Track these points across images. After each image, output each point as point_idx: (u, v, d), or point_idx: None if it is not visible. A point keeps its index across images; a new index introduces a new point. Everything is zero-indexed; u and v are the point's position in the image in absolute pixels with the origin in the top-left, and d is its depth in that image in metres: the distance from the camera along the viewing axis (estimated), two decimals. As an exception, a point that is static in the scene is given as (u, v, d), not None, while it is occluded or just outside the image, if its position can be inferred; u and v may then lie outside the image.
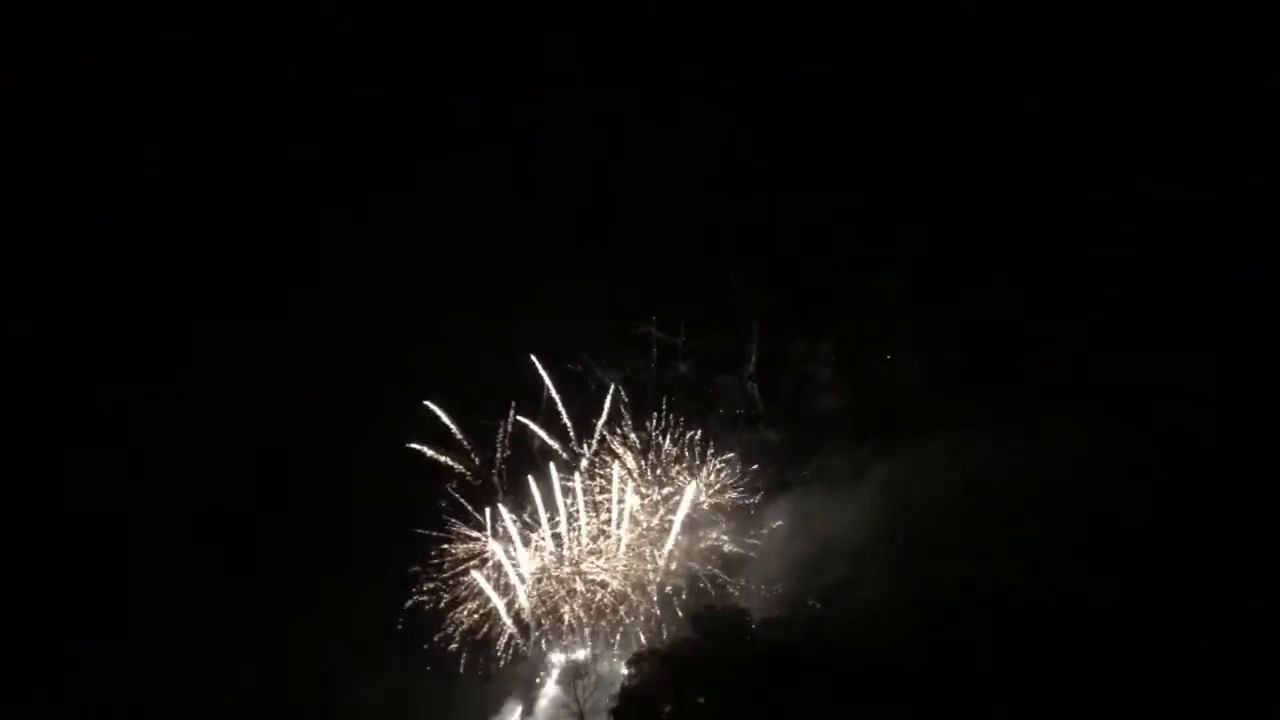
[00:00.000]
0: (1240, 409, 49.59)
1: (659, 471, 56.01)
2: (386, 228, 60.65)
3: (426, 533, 54.49)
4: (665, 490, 55.65)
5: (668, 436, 56.23)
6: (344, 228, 61.36)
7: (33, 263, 56.21)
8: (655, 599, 54.30)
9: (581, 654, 54.36)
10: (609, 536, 54.83)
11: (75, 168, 57.89)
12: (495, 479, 55.68)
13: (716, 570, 55.12)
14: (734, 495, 56.31)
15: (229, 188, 60.21)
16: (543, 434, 55.75)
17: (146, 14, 57.92)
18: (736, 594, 54.67)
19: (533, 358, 56.05)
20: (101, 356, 55.56)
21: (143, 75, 58.58)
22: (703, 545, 55.46)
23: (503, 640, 53.72)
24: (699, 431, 56.33)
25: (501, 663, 53.93)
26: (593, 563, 54.57)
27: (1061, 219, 57.58)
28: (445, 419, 55.74)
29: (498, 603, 53.50)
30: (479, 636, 53.64)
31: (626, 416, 56.30)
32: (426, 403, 55.68)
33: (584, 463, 55.48)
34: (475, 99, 63.01)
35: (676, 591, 54.66)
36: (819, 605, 52.71)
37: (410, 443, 55.26)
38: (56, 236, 57.19)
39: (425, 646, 53.13)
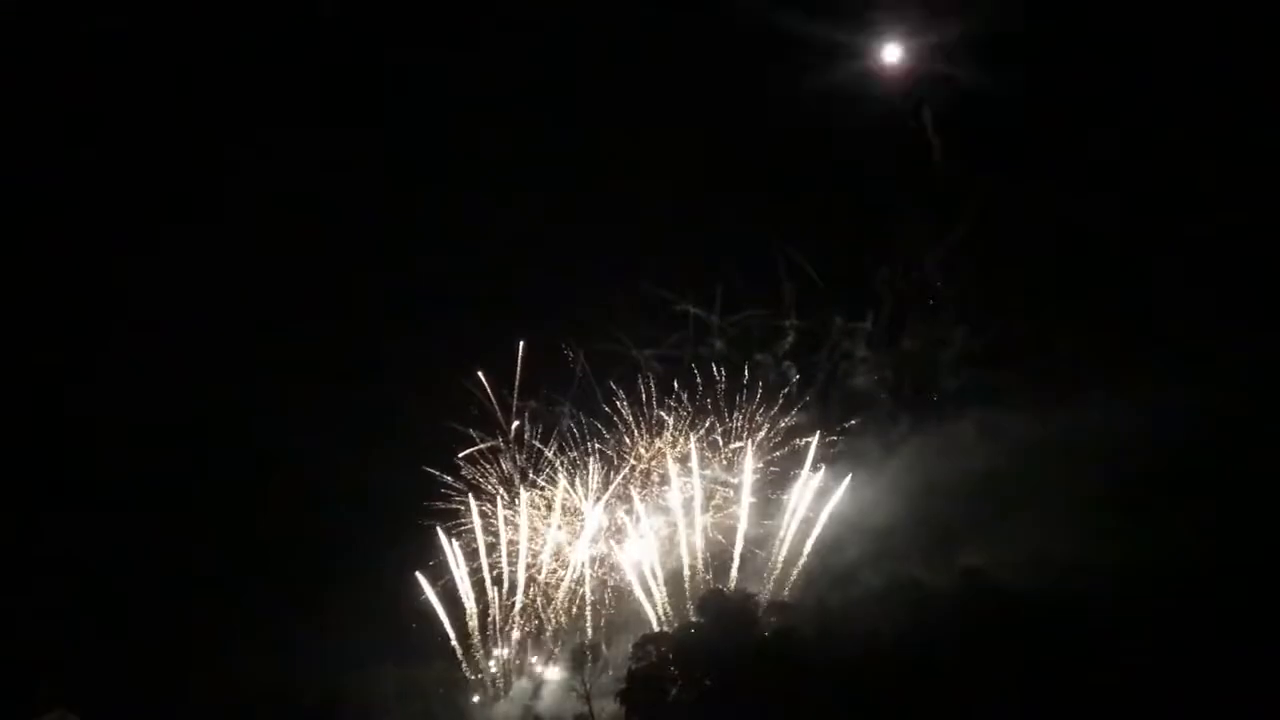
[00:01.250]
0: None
1: (682, 455, 55.42)
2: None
3: (447, 526, 54.42)
4: (681, 480, 55.01)
5: (697, 420, 55.80)
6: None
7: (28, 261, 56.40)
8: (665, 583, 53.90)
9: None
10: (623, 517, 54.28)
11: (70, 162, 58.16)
12: (520, 462, 55.05)
13: (731, 552, 54.65)
14: (758, 477, 55.74)
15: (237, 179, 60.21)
16: (569, 417, 55.52)
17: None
18: (745, 577, 54.15)
19: (562, 344, 55.99)
20: (98, 356, 56.22)
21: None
22: (714, 534, 54.84)
23: (513, 624, 53.72)
24: (728, 412, 55.89)
25: (510, 647, 53.74)
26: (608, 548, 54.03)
27: (1102, 197, 56.50)
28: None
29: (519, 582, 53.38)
30: (491, 622, 53.99)
31: (656, 397, 55.98)
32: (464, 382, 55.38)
33: (605, 448, 55.15)
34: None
35: (694, 573, 54.34)
36: (827, 589, 51.84)
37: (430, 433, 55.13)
38: (50, 234, 57.48)
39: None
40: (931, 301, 59.04)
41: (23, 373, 54.04)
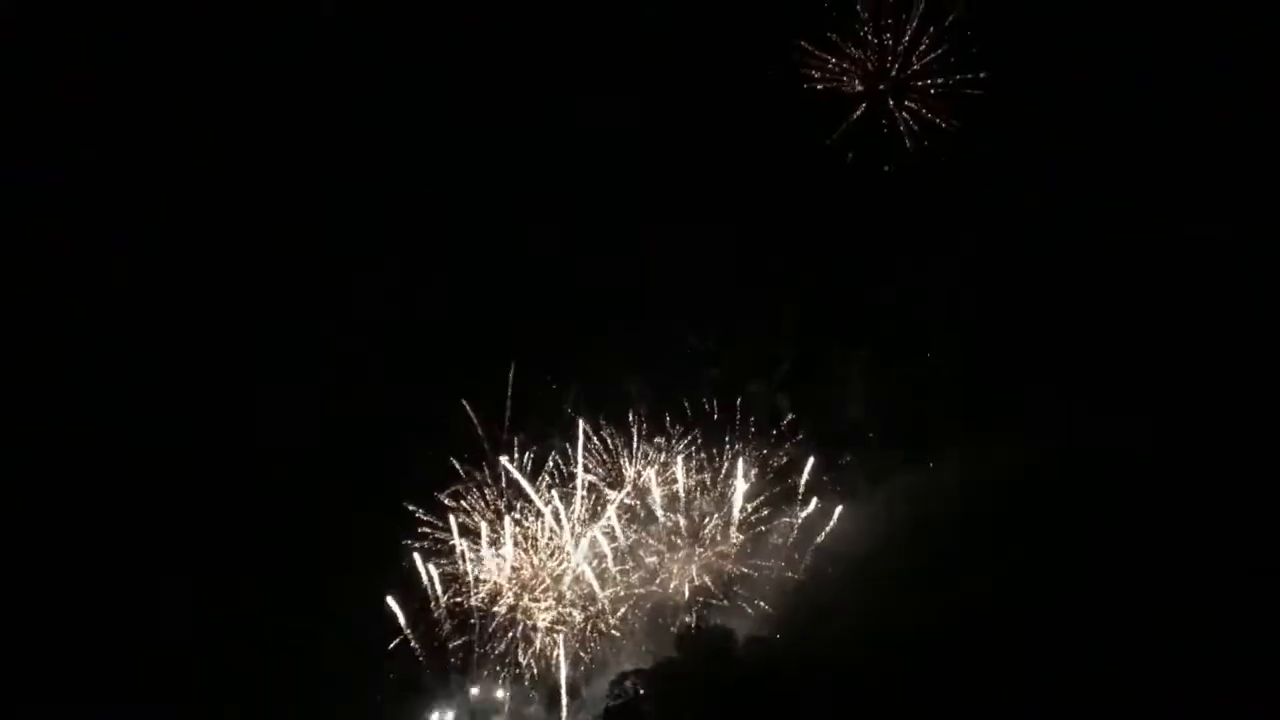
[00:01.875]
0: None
1: (670, 491, 54.80)
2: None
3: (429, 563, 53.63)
4: (666, 514, 54.54)
5: (682, 458, 54.68)
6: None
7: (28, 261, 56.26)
8: (642, 618, 53.54)
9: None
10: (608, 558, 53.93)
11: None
12: (507, 497, 54.55)
13: (712, 589, 53.96)
14: (744, 512, 54.71)
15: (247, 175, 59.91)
16: (555, 450, 54.47)
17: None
18: (726, 612, 53.64)
19: (548, 377, 55.31)
20: (98, 356, 55.54)
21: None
22: (697, 570, 54.45)
23: (491, 660, 53.13)
24: (719, 446, 54.96)
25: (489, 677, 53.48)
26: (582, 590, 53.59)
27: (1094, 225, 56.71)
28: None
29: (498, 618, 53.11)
30: (469, 653, 53.13)
31: (645, 430, 54.93)
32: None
33: (592, 478, 54.25)
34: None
35: (673, 609, 53.78)
36: (809, 624, 51.52)
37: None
38: (50, 234, 57.23)
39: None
40: (930, 353, 59.02)
41: (23, 373, 54.08)
